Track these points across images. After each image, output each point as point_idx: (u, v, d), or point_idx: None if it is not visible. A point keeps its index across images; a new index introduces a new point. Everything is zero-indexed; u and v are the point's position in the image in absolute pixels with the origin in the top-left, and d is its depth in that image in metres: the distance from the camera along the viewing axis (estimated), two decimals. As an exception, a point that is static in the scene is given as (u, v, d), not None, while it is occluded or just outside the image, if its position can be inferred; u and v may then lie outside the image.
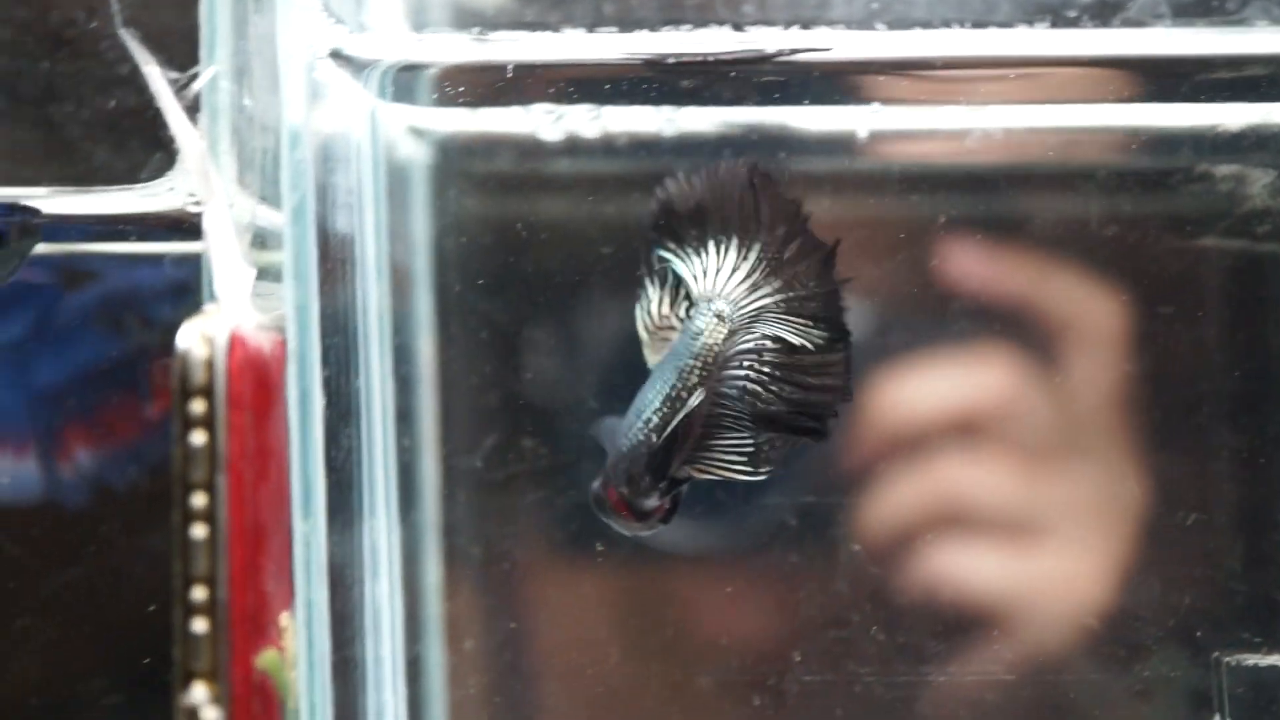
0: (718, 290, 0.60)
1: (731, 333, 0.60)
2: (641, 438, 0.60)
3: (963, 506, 0.74)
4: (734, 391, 0.59)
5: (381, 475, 0.69)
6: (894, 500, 0.73)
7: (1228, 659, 0.71)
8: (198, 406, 0.55)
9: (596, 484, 0.61)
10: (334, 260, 0.64)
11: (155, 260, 0.74)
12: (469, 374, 0.73)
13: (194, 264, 0.73)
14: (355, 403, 0.67)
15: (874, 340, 0.73)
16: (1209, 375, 0.73)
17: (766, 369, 0.60)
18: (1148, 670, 0.72)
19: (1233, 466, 0.73)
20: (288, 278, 0.59)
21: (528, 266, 0.75)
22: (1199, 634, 0.72)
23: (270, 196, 0.63)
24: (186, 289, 0.74)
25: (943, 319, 0.73)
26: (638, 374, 0.62)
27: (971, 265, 0.73)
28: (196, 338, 0.56)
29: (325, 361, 0.61)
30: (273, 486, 0.58)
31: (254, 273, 0.59)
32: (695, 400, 0.59)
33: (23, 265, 0.63)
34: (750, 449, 0.60)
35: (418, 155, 0.74)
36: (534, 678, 0.74)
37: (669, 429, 0.60)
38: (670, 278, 0.61)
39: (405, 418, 0.72)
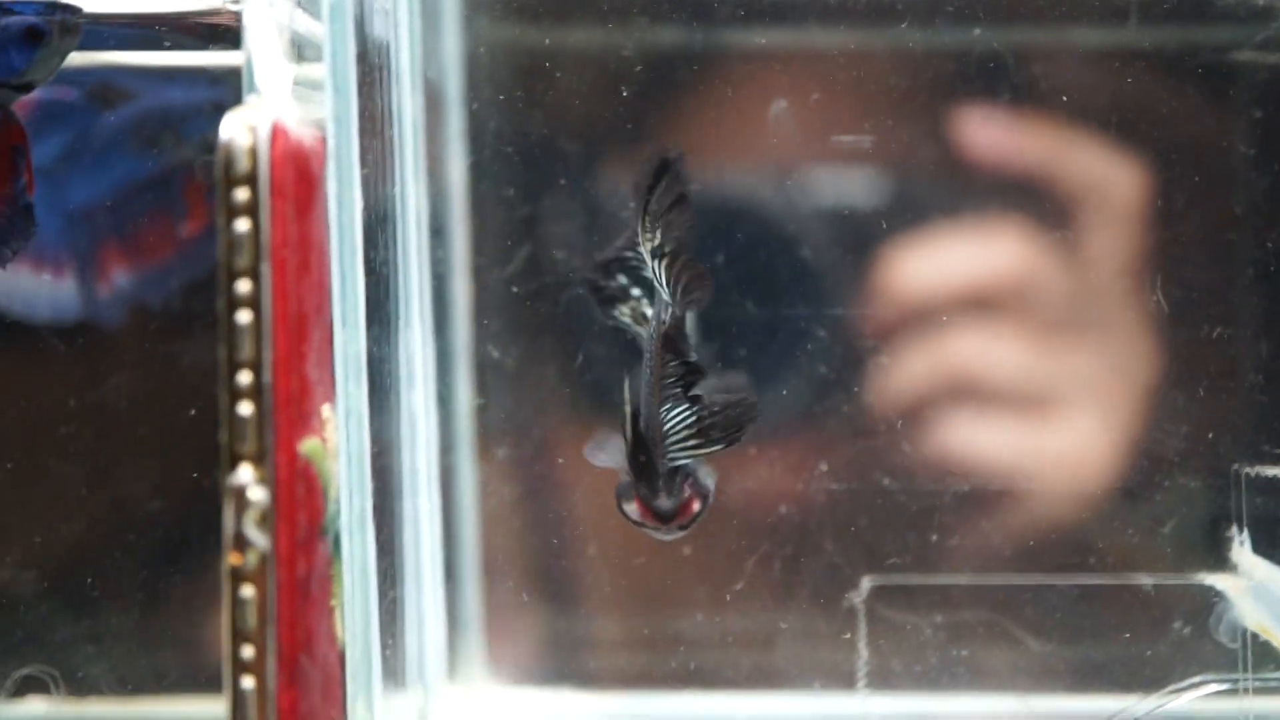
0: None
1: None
2: (627, 448, 0.60)
3: (976, 379, 0.74)
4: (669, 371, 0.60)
5: (416, 285, 0.70)
6: (907, 373, 0.74)
7: (1247, 470, 0.72)
8: (241, 194, 0.56)
9: (620, 497, 0.61)
10: (370, 64, 0.64)
11: (190, 78, 0.74)
12: (499, 189, 0.74)
13: (229, 82, 0.73)
14: (391, 208, 0.68)
15: (889, 211, 0.74)
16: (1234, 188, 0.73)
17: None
18: (1167, 484, 0.74)
19: (1257, 278, 0.73)
20: (327, 73, 0.60)
21: (558, 88, 0.75)
22: (1219, 448, 0.73)
23: (308, 3, 0.63)
24: (222, 107, 0.74)
25: (959, 190, 0.74)
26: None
27: (990, 136, 0.73)
28: (240, 127, 0.56)
29: (363, 162, 0.62)
30: (314, 279, 0.59)
31: (293, 70, 0.59)
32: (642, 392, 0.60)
33: (62, 64, 0.63)
34: (698, 418, 0.60)
35: (450, -30, 0.74)
36: (563, 488, 0.76)
37: (640, 429, 0.60)
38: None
39: (439, 232, 0.73)
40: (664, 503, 0.60)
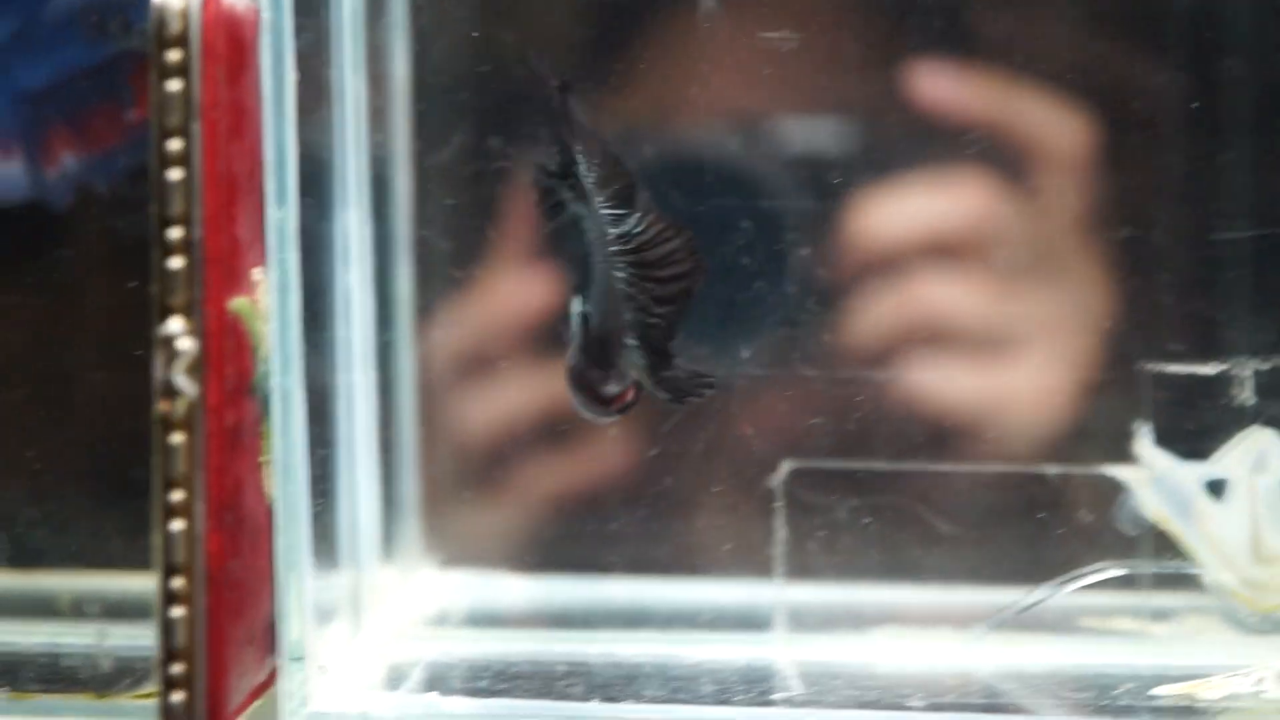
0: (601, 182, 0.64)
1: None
2: (580, 340, 0.65)
3: (937, 323, 0.77)
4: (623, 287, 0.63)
5: (354, 167, 0.73)
6: (870, 319, 0.76)
7: (1152, 368, 0.75)
8: (173, 55, 0.58)
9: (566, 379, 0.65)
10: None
11: (137, -36, 0.76)
12: (440, 74, 0.76)
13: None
14: (328, 90, 0.70)
15: (855, 161, 0.76)
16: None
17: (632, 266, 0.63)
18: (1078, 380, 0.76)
19: (1175, 187, 0.76)
20: (261, -54, 0.62)
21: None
22: (1127, 346, 0.76)
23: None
24: (167, -5, 0.76)
25: (920, 141, 0.76)
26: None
27: (940, 88, 0.75)
28: (174, -10, 0.58)
29: (298, 38, 0.64)
30: (245, 145, 0.61)
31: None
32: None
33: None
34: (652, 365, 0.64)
35: None
36: (499, 363, 0.78)
37: (589, 317, 0.64)
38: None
39: (378, 115, 0.75)
40: (607, 390, 0.64)
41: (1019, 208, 0.76)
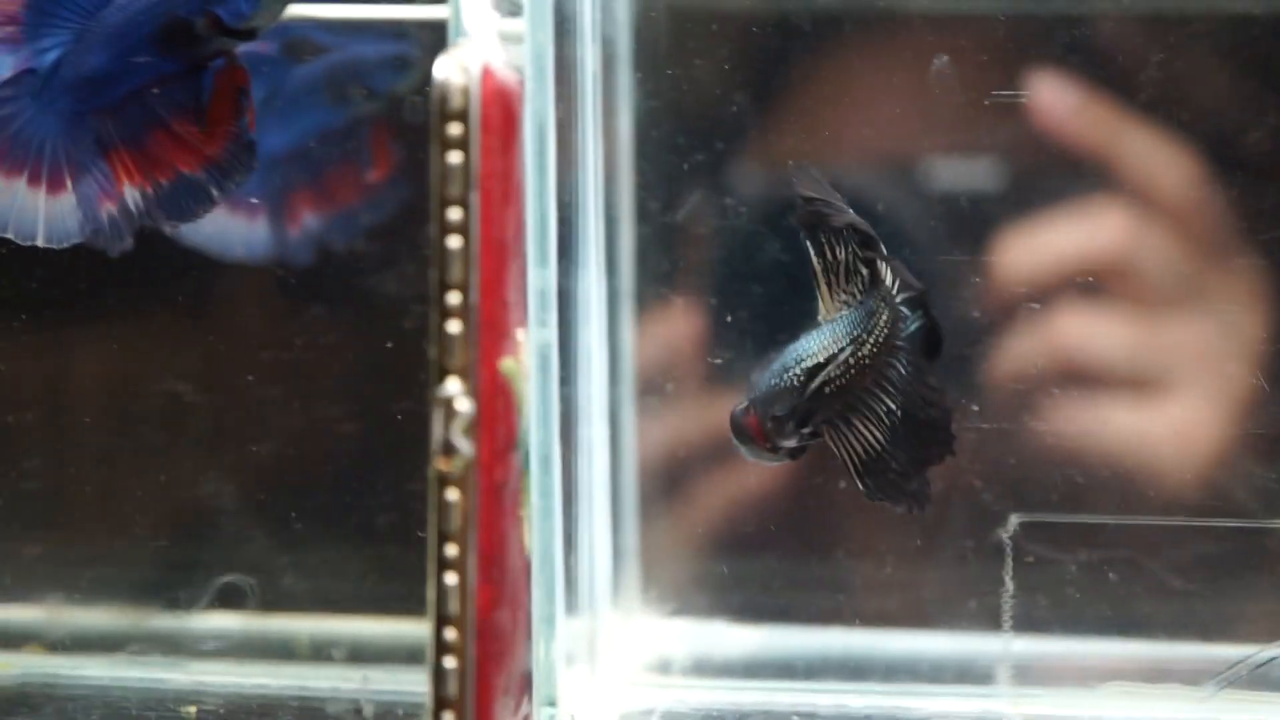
0: (897, 286, 0.65)
1: (895, 327, 0.65)
2: (797, 384, 0.65)
3: (1084, 359, 0.77)
4: (892, 384, 0.65)
5: (593, 225, 0.75)
6: (1016, 355, 0.77)
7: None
8: (454, 129, 0.61)
9: (739, 409, 0.66)
10: (562, 17, 0.69)
11: (378, 32, 0.79)
12: (670, 135, 0.78)
13: (415, 36, 0.78)
14: (574, 152, 0.72)
15: (997, 196, 0.77)
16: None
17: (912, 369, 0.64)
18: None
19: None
20: (527, 22, 0.64)
21: (730, 30, 0.79)
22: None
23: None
24: (406, 62, 0.79)
25: (1063, 175, 0.76)
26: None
27: (1061, 112, 0.75)
28: (454, 66, 0.61)
29: (555, 107, 0.66)
30: (514, 211, 0.64)
31: (499, 16, 0.64)
32: (855, 368, 0.65)
33: (283, 12, 0.69)
34: (876, 451, 0.65)
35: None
36: (718, 426, 0.80)
37: (825, 384, 0.65)
38: (849, 248, 0.66)
39: (610, 176, 0.77)
40: (783, 441, 0.66)
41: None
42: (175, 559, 0.80)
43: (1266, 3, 0.75)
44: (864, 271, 0.66)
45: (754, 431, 0.67)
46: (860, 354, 0.67)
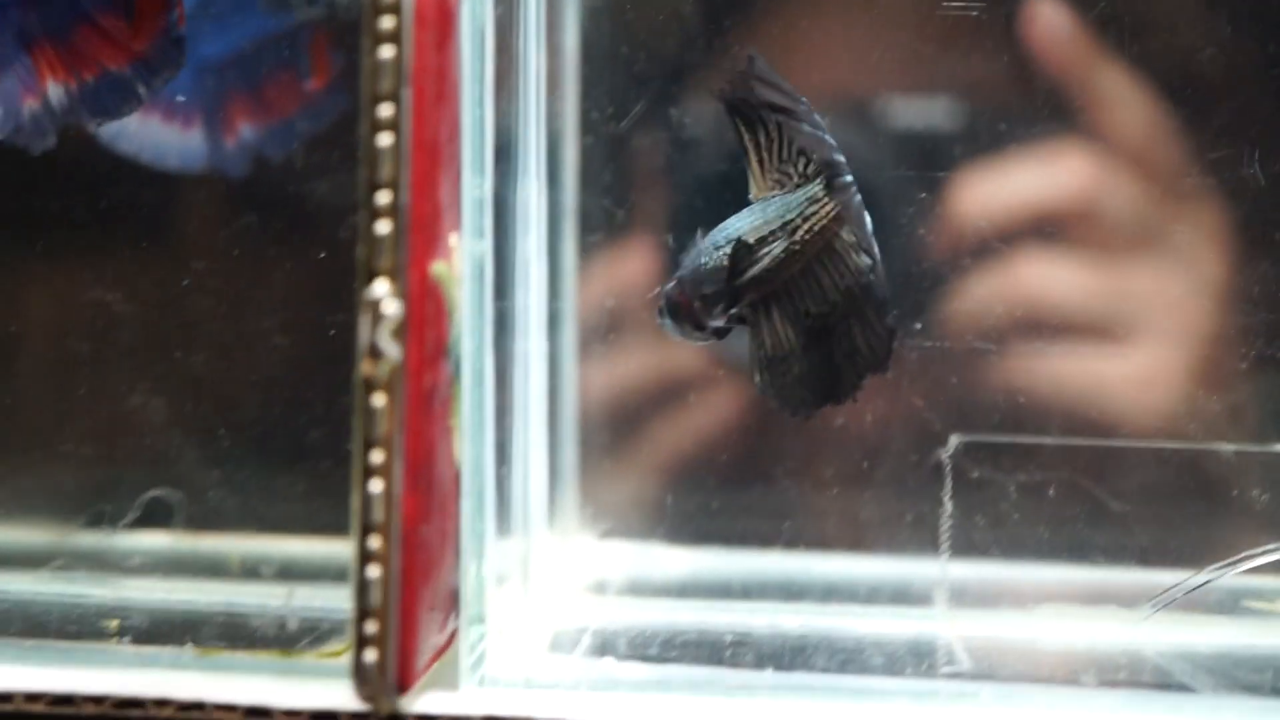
0: (841, 169, 0.64)
1: (835, 223, 0.64)
2: (725, 263, 0.64)
3: (1042, 304, 0.76)
4: (821, 286, 0.63)
5: (535, 136, 0.73)
6: (974, 299, 0.76)
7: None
8: (387, 21, 0.59)
9: (669, 286, 0.65)
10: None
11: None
12: (615, 46, 0.77)
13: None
14: (515, 58, 0.71)
15: (959, 137, 0.76)
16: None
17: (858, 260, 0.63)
18: (1252, 355, 0.75)
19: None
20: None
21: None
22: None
23: None
24: (347, -33, 0.77)
25: (1025, 116, 0.76)
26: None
27: (1052, 34, 0.74)
28: (386, -42, 0.59)
29: (495, 3, 0.65)
30: (448, 112, 0.62)
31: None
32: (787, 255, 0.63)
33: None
34: (784, 349, 0.64)
35: None
36: (661, 347, 0.79)
37: (753, 265, 0.64)
38: (780, 130, 0.64)
39: (554, 84, 0.75)
40: (712, 320, 0.65)
41: None
42: (101, 474, 0.78)
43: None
44: (806, 157, 0.64)
45: (684, 309, 0.66)
46: (792, 241, 0.65)
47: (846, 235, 0.65)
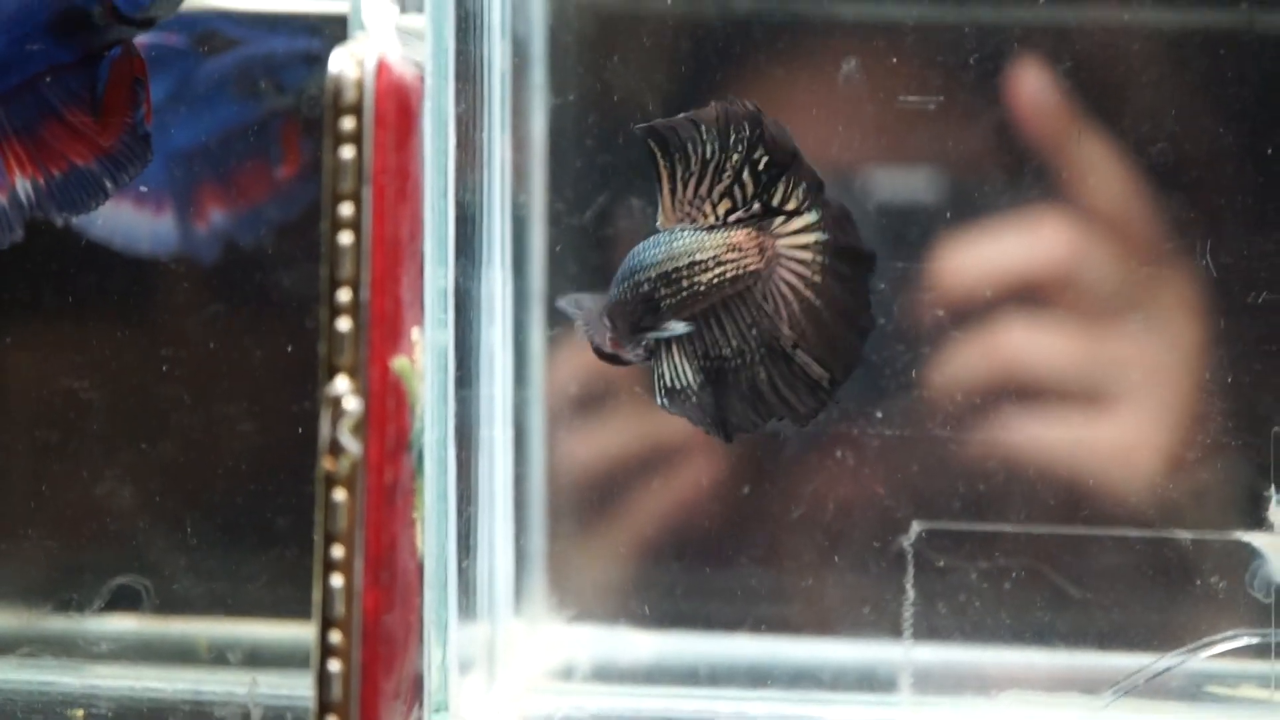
0: (771, 222, 0.65)
1: (749, 276, 0.65)
2: (633, 296, 0.66)
3: (1026, 371, 0.77)
4: (726, 333, 0.64)
5: (499, 225, 0.74)
6: (959, 367, 0.77)
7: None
8: (348, 123, 0.60)
9: (589, 320, 0.67)
10: (467, 12, 0.68)
11: (291, 27, 0.78)
12: (580, 137, 0.78)
13: (328, 32, 0.77)
14: (478, 152, 0.72)
15: (937, 206, 0.77)
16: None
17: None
18: (1207, 443, 0.76)
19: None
20: (427, 19, 0.64)
21: (637, 53, 0.79)
22: (1259, 409, 0.76)
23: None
24: (319, 58, 0.79)
25: (1005, 185, 0.77)
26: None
27: (1034, 91, 0.75)
28: (349, 60, 0.60)
29: (456, 103, 0.66)
30: (409, 208, 0.63)
31: (396, 13, 0.63)
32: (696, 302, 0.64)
33: (181, 4, 0.68)
34: (681, 385, 0.65)
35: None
36: (631, 420, 0.79)
37: (659, 300, 0.65)
38: (705, 164, 0.65)
39: (520, 174, 0.76)
40: (624, 352, 0.66)
41: None
42: (69, 560, 0.79)
43: (1197, 17, 0.76)
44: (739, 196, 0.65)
45: (601, 350, 0.67)
46: (696, 283, 0.65)
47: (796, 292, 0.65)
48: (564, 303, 0.69)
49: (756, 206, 0.64)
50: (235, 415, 0.77)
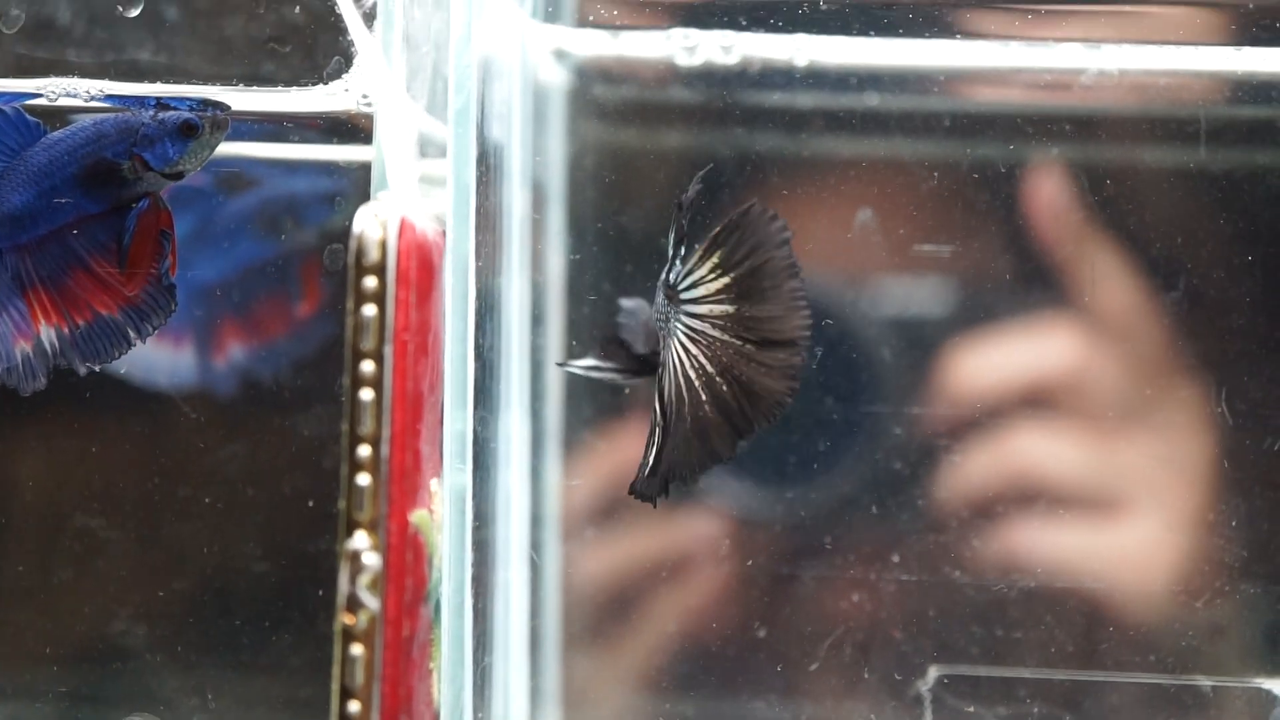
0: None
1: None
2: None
3: (1038, 479, 0.77)
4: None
5: (517, 369, 0.75)
6: (969, 475, 0.77)
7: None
8: (370, 282, 0.61)
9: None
10: (488, 165, 0.69)
11: (311, 170, 0.80)
12: (596, 286, 0.79)
13: (347, 174, 0.78)
14: (498, 297, 0.72)
15: (944, 313, 0.78)
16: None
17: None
18: (1227, 589, 0.76)
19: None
20: (450, 172, 0.64)
21: (654, 189, 0.80)
22: (1278, 556, 0.76)
23: (432, 108, 0.68)
24: (339, 197, 0.80)
25: (1012, 291, 0.77)
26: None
27: (1050, 210, 0.76)
28: (372, 220, 0.61)
29: (477, 255, 0.66)
30: (430, 361, 0.63)
31: (419, 167, 0.64)
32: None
33: (210, 156, 0.69)
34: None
35: (558, 78, 0.79)
36: (646, 574, 0.79)
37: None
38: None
39: (538, 320, 0.77)
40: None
41: None
42: (84, 696, 0.78)
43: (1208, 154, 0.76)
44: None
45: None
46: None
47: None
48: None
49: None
50: (250, 554, 0.77)
